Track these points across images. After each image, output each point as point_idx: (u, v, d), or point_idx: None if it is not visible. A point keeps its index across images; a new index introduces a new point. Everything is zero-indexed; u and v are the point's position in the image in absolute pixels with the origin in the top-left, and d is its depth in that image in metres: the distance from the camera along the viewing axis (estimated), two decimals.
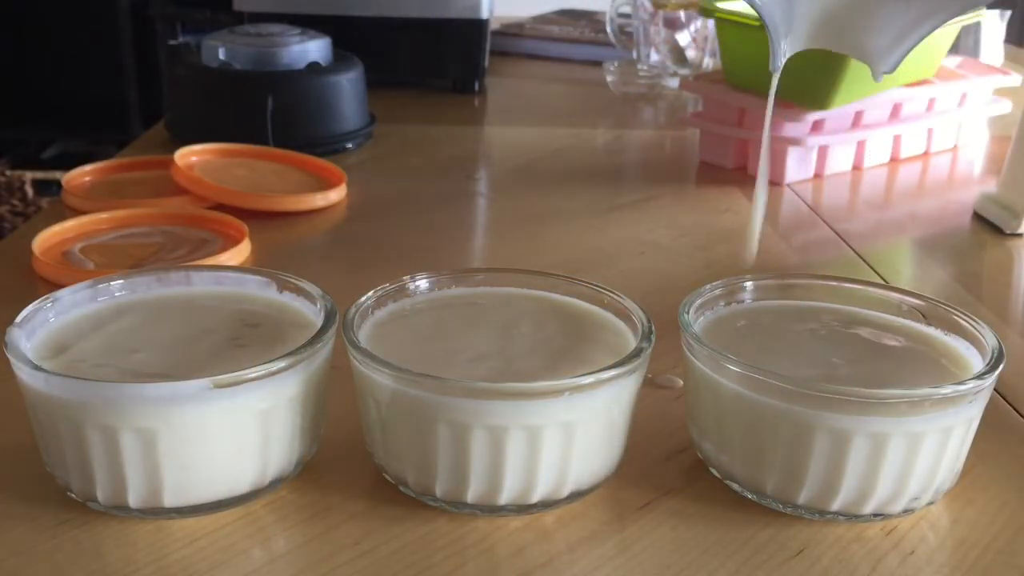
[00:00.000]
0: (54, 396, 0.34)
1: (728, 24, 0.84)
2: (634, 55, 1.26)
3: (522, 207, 0.75)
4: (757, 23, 0.79)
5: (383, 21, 1.09)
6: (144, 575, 0.33)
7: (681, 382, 0.46)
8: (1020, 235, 0.70)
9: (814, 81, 0.79)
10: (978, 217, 0.75)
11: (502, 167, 0.89)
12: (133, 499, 0.35)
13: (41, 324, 0.39)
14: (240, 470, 0.36)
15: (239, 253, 0.62)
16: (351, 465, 0.40)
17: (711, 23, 1.03)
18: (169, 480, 0.35)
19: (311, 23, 0.93)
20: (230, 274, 0.44)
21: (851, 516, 0.37)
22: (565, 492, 0.37)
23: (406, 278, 0.43)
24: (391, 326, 0.41)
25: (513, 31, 1.42)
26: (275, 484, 0.38)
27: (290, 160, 0.80)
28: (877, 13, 0.45)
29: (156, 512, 0.36)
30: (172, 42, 2.19)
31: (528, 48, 1.40)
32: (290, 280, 0.42)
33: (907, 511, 0.37)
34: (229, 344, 0.39)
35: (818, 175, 0.85)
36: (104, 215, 0.66)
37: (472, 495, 0.36)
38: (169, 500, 0.35)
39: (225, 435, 0.35)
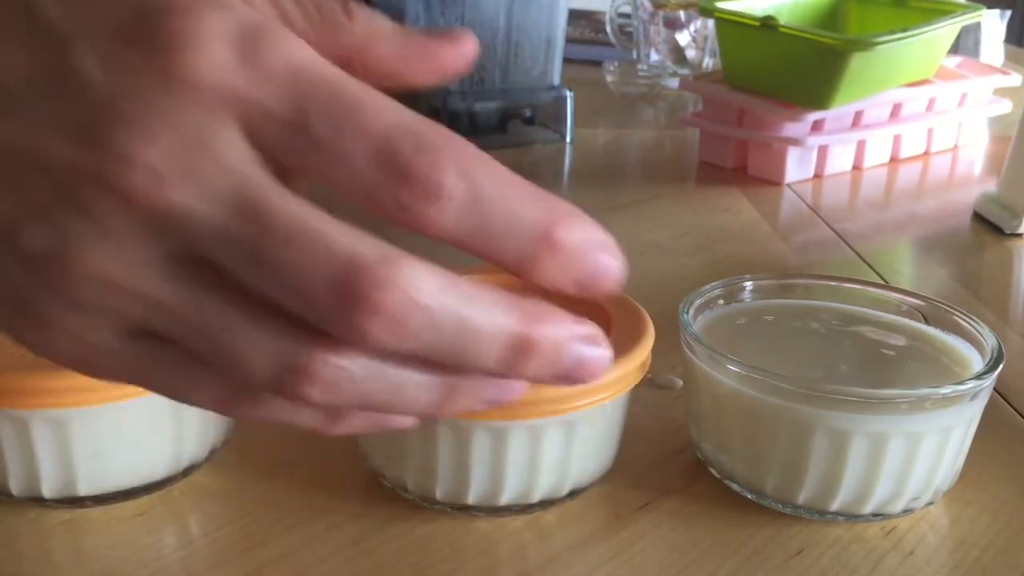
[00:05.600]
0: None
1: (728, 24, 0.84)
2: (634, 55, 1.27)
3: None
4: (757, 23, 0.79)
5: None
6: (144, 574, 0.33)
7: (681, 382, 0.46)
8: (1020, 235, 0.70)
9: (814, 81, 0.79)
10: (978, 217, 0.75)
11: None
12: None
13: None
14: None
15: None
16: (350, 465, 0.39)
17: (711, 23, 1.03)
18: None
19: None
20: None
21: (851, 516, 0.37)
22: (565, 491, 0.37)
23: None
24: None
25: None
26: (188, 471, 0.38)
27: None
28: None
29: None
30: None
31: None
32: None
33: (907, 511, 0.37)
34: None
35: (818, 175, 0.85)
36: None
37: (473, 497, 0.36)
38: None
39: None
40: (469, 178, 0.21)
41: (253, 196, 0.20)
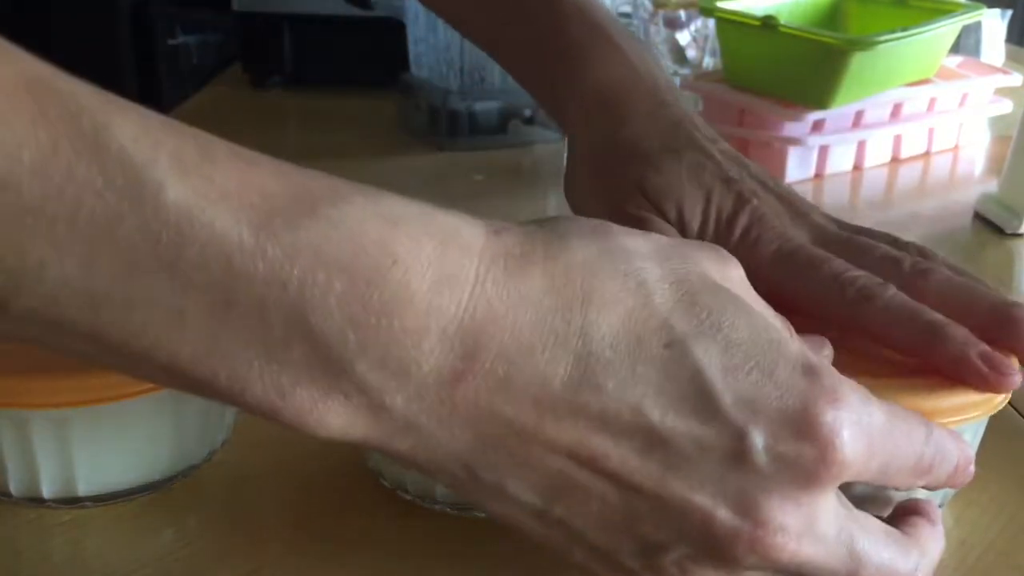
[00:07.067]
0: None
1: (728, 24, 0.84)
2: None
3: (522, 207, 0.75)
4: (757, 23, 0.79)
5: (388, 21, 1.09)
6: (144, 574, 0.33)
7: None
8: (1021, 235, 0.70)
9: (814, 81, 0.79)
10: (979, 217, 0.75)
11: (502, 167, 0.89)
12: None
13: None
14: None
15: None
16: (350, 465, 0.39)
17: (711, 23, 1.03)
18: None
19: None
20: None
21: None
22: None
23: None
24: None
25: None
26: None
27: None
28: None
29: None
30: (171, 42, 2.19)
31: None
32: None
33: None
34: None
35: (819, 175, 0.85)
36: None
37: None
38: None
39: None
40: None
41: (855, 537, 0.28)
